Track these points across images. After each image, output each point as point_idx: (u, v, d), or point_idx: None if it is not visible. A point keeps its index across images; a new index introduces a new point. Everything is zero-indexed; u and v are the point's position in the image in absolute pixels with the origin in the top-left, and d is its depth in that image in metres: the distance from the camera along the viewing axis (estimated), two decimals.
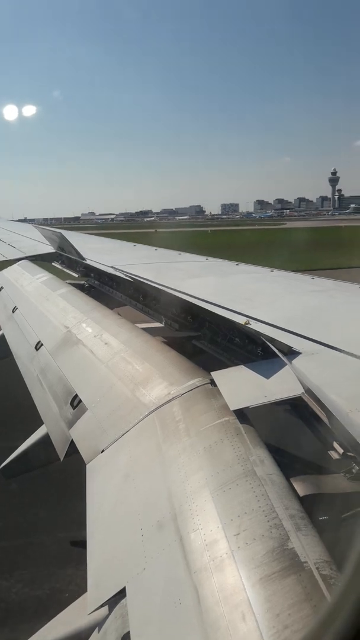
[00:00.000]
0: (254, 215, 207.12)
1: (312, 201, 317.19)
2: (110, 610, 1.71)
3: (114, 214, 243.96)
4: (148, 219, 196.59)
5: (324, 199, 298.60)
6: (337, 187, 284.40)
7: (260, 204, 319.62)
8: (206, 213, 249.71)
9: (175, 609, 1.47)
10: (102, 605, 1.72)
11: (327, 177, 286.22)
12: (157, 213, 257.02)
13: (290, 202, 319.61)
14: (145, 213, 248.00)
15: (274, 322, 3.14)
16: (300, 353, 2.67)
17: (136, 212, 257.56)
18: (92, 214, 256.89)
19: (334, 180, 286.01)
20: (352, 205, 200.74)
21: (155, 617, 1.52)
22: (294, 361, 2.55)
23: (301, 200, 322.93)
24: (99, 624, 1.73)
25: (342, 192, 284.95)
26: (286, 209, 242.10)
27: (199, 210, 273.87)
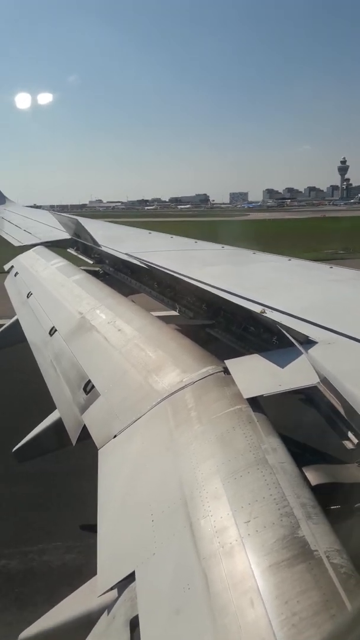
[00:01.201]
0: (243, 205, 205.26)
1: (322, 190, 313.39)
2: (120, 593, 1.71)
3: (119, 202, 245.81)
4: (148, 207, 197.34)
5: (334, 188, 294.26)
6: (345, 176, 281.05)
7: (270, 192, 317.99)
8: (210, 201, 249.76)
9: (184, 594, 1.47)
10: (111, 589, 1.73)
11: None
12: (165, 201, 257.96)
13: (300, 192, 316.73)
14: (146, 201, 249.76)
15: (291, 311, 3.09)
16: (316, 342, 2.63)
17: (137, 200, 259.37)
18: (100, 201, 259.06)
19: (343, 169, 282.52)
20: (359, 195, 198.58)
21: (163, 602, 1.52)
22: (310, 350, 2.51)
23: (311, 189, 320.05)
24: (109, 607, 1.74)
25: (351, 182, 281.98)
26: (288, 199, 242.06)
27: (204, 199, 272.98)
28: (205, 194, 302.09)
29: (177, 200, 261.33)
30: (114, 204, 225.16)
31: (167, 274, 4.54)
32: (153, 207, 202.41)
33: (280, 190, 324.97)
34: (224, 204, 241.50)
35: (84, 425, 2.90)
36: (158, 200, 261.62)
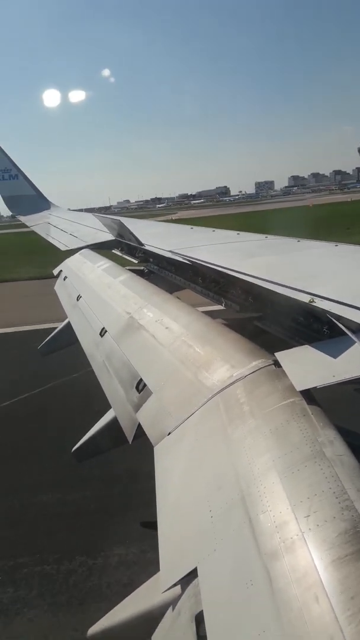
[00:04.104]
0: (229, 199, 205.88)
1: (348, 173, 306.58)
2: (183, 589, 1.74)
3: (143, 200, 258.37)
4: (159, 205, 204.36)
5: (359, 170, 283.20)
6: None
7: (295, 179, 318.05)
8: (235, 194, 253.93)
9: (247, 590, 1.47)
10: (174, 585, 1.75)
11: None
12: (188, 196, 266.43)
13: (326, 176, 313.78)
14: (159, 199, 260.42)
15: (341, 299, 2.98)
16: None
17: (151, 199, 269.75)
18: (127, 201, 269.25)
19: None
20: None
21: (227, 598, 1.53)
22: None
23: (337, 172, 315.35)
24: (173, 603, 1.77)
25: None
26: (295, 186, 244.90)
27: (223, 191, 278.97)
28: (225, 186, 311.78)
29: (193, 197, 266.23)
30: (139, 203, 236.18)
31: (211, 268, 4.51)
32: (164, 204, 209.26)
33: (306, 176, 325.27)
34: (241, 195, 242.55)
35: (139, 424, 2.96)
36: (186, 196, 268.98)
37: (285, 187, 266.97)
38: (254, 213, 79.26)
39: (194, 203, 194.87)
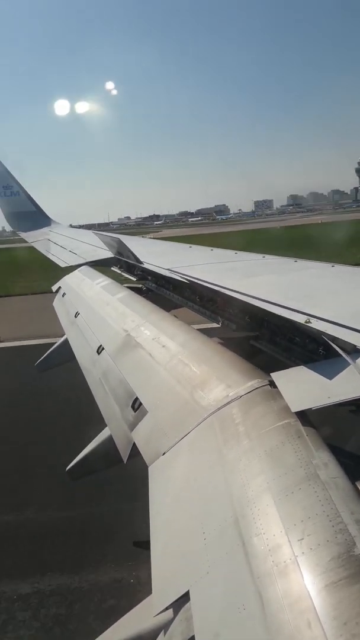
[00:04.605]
0: (220, 217, 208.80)
1: (347, 193, 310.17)
2: (175, 613, 1.71)
3: (141, 218, 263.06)
4: (157, 222, 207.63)
5: (357, 190, 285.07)
6: None
7: (293, 198, 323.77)
8: (232, 213, 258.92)
9: (240, 614, 1.46)
10: (167, 608, 1.73)
11: None
12: (189, 214, 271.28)
13: (325, 195, 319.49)
14: (157, 216, 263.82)
15: (337, 320, 3.00)
16: None
17: (149, 216, 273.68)
18: (128, 218, 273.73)
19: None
20: None
21: (219, 622, 1.51)
22: (358, 360, 2.44)
23: (335, 192, 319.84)
24: (165, 627, 1.74)
25: None
26: (291, 206, 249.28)
27: (221, 210, 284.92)
28: (224, 205, 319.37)
29: (191, 214, 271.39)
30: (138, 220, 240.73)
31: (208, 287, 4.54)
32: (161, 221, 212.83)
33: (305, 195, 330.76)
34: (237, 213, 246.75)
35: (134, 443, 2.93)
36: (186, 214, 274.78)
37: (282, 206, 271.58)
38: (220, 233, 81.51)
39: (191, 220, 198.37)
